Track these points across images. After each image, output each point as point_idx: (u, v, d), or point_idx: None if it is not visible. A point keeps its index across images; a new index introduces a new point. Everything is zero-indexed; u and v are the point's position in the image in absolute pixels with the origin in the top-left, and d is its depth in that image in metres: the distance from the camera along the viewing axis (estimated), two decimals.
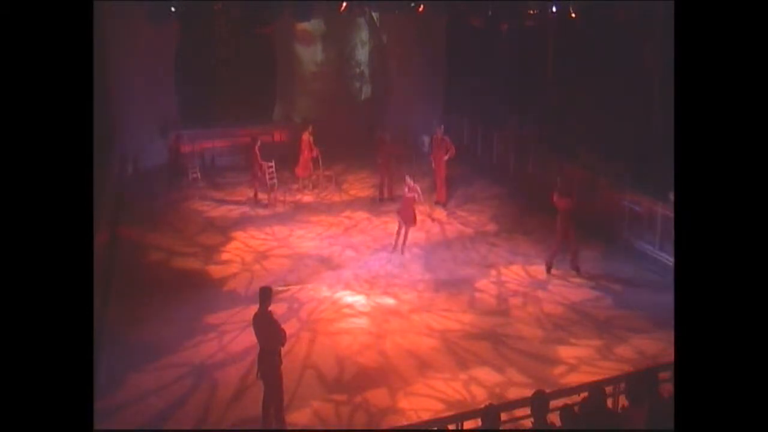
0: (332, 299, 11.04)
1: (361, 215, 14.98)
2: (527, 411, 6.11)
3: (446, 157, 15.15)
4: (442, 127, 15.78)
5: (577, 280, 11.67)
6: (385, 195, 15.82)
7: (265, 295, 7.60)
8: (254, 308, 7.72)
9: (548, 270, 11.96)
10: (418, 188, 12.99)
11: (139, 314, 10.44)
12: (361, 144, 18.53)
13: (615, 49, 13.48)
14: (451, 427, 6.60)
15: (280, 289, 10.77)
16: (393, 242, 12.92)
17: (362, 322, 10.34)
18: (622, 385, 6.68)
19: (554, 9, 15.01)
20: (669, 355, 7.53)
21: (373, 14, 20.28)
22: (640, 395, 5.76)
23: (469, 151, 18.67)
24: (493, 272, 12.11)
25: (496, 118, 17.62)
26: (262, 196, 15.81)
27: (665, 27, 11.11)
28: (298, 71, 20.19)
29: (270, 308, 7.67)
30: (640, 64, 13.32)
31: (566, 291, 11.34)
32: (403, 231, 12.74)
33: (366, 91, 21.35)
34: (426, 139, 18.27)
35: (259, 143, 15.78)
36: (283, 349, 7.83)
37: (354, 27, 20.66)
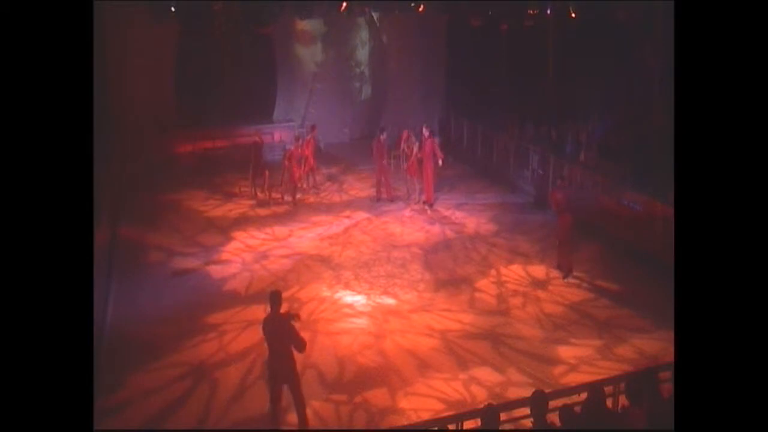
0: (332, 299, 11.04)
1: (361, 215, 14.97)
2: (527, 411, 6.10)
3: (440, 163, 15.00)
4: (429, 129, 15.60)
5: (577, 280, 11.67)
6: (383, 195, 15.80)
7: (276, 298, 7.52)
8: (254, 308, 7.74)
9: (564, 275, 11.73)
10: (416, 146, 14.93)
11: (139, 314, 10.45)
12: (360, 144, 18.51)
13: (615, 49, 13.49)
14: (451, 427, 6.59)
15: None
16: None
17: (362, 322, 10.33)
18: (622, 385, 6.67)
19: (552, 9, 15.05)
20: (669, 355, 7.54)
21: (373, 14, 20.27)
22: (640, 395, 5.76)
23: (469, 151, 18.69)
24: (493, 272, 12.10)
25: (496, 118, 17.63)
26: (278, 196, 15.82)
27: (665, 27, 11.12)
28: (298, 71, 20.19)
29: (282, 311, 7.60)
30: (640, 64, 13.33)
31: (566, 291, 11.33)
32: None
33: (366, 91, 21.34)
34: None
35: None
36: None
37: (354, 27, 20.66)
